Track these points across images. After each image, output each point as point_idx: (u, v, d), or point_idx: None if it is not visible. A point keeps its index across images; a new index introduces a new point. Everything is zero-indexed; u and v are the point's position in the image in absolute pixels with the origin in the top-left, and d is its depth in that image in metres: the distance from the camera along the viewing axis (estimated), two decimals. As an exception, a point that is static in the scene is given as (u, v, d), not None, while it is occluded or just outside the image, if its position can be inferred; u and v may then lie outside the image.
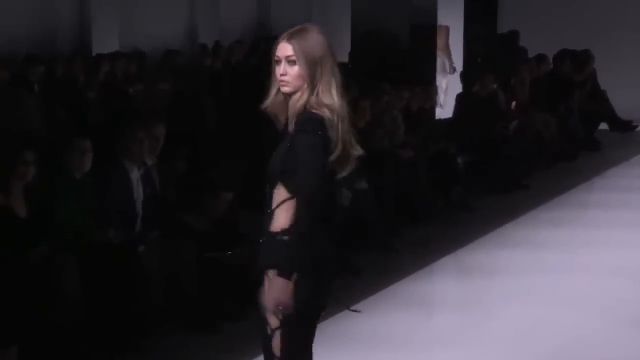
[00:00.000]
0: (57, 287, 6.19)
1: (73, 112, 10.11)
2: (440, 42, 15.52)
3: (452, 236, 9.50)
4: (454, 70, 16.72)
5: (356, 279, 7.87)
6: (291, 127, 3.92)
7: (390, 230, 9.21)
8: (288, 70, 3.90)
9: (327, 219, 3.91)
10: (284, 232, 3.83)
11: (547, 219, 10.39)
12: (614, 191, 11.96)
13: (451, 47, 16.99)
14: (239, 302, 6.89)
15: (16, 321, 5.91)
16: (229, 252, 7.08)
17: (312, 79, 3.88)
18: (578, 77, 14.65)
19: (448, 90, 16.21)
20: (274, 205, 3.90)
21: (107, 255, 6.52)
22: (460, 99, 12.67)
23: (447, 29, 16.47)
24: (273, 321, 3.89)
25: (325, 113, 3.84)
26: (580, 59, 14.83)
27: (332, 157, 3.85)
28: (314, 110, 3.86)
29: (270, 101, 3.97)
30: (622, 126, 15.40)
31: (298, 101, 3.88)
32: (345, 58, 13.65)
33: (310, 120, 3.85)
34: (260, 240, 3.92)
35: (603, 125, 15.17)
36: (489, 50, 16.61)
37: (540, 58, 14.64)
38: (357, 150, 3.95)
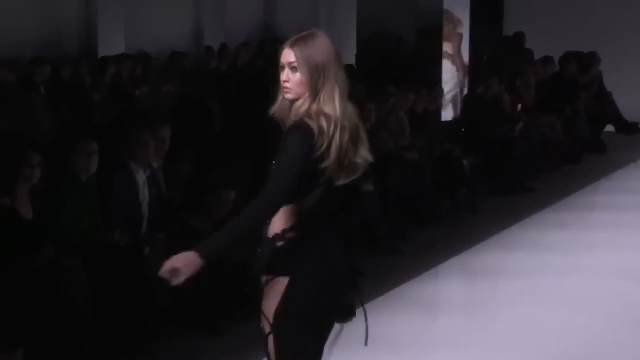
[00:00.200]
0: (63, 289, 6.19)
1: (79, 114, 10.14)
2: (452, 48, 15.46)
3: (458, 238, 9.49)
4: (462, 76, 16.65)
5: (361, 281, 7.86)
6: None
7: (395, 232, 9.21)
8: (290, 76, 3.84)
9: (333, 227, 3.89)
10: (277, 237, 3.82)
11: (553, 221, 10.37)
12: (620, 193, 11.94)
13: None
14: (244, 303, 6.89)
15: (22, 323, 5.92)
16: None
17: (314, 86, 3.81)
18: (584, 79, 14.62)
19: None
20: None
21: (112, 257, 6.53)
22: (465, 100, 12.67)
23: (460, 35, 16.34)
24: (266, 325, 3.88)
25: (321, 122, 3.77)
26: (586, 61, 14.81)
27: (325, 165, 3.76)
28: (306, 119, 3.79)
29: (277, 106, 3.93)
30: (628, 128, 15.36)
31: (300, 108, 3.83)
32: (351, 60, 13.67)
33: (295, 127, 3.79)
34: (259, 250, 3.91)
35: (609, 127, 15.13)
36: (494, 52, 16.58)
37: (546, 60, 14.63)
38: (362, 158, 3.87)
